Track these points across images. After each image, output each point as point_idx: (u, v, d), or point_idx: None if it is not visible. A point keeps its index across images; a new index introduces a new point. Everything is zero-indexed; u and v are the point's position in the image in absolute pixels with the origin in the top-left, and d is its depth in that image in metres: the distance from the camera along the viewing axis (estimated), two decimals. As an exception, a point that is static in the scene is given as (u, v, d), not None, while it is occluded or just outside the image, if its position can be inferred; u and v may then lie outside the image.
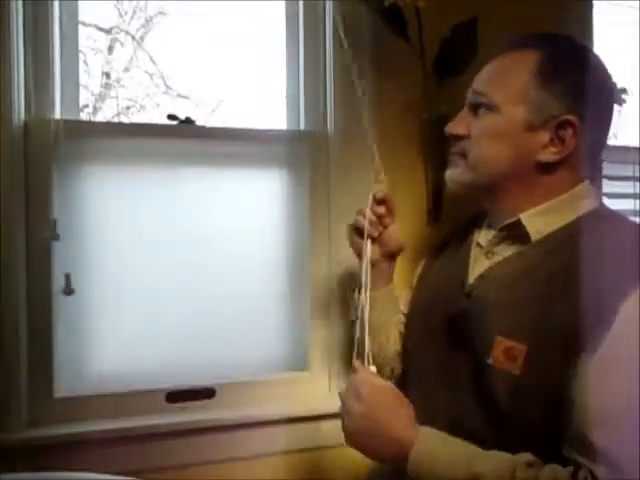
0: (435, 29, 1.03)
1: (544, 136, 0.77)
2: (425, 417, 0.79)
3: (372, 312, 0.88)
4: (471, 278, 0.82)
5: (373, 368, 0.80)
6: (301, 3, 1.12)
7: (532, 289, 0.74)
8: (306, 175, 1.11)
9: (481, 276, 0.81)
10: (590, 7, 1.27)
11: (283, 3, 1.13)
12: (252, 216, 1.10)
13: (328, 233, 1.11)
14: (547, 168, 0.78)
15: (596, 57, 0.80)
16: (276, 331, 1.11)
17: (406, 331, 0.96)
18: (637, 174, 1.32)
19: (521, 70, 0.78)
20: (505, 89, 0.78)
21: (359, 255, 0.92)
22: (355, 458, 1.09)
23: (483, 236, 0.86)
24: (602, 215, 0.78)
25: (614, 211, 0.81)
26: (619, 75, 1.16)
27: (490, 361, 0.73)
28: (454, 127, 0.83)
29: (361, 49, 1.09)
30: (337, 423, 0.75)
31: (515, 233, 0.80)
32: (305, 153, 1.11)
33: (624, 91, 1.11)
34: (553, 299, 0.71)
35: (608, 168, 1.27)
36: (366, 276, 0.89)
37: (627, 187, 1.33)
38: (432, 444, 0.72)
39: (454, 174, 0.84)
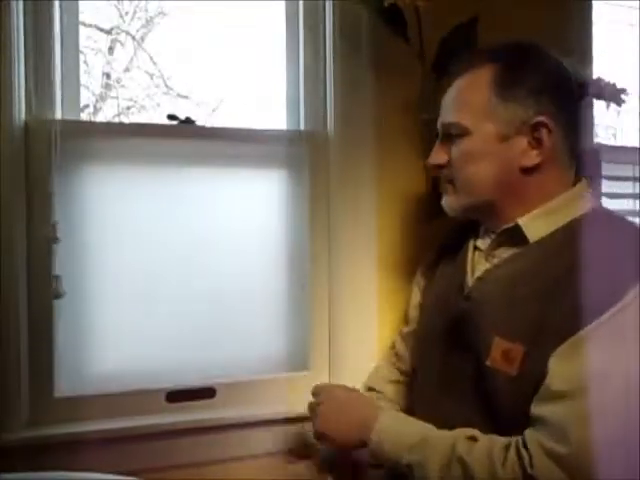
0: (435, 29, 1.03)
1: (521, 142, 0.79)
2: (429, 420, 0.80)
3: None
4: (470, 281, 0.83)
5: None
6: (301, 3, 1.12)
7: (529, 290, 0.74)
8: (306, 175, 1.11)
9: (479, 278, 0.82)
10: (590, 7, 1.27)
11: (283, 3, 1.13)
12: (252, 216, 1.10)
13: (328, 233, 1.11)
14: (534, 171, 0.79)
15: (552, 56, 0.82)
16: (276, 331, 1.11)
17: (413, 336, 0.98)
18: (637, 174, 1.32)
19: (479, 87, 0.80)
20: (469, 111, 0.81)
21: None
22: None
23: (481, 240, 0.87)
24: (598, 216, 0.79)
25: (611, 211, 0.82)
26: (619, 75, 1.17)
27: (488, 363, 0.74)
28: (433, 158, 0.86)
29: (361, 49, 1.09)
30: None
31: (513, 237, 0.80)
32: (305, 153, 1.11)
33: (624, 91, 1.11)
34: (549, 299, 0.71)
35: (608, 168, 1.27)
36: None
37: (627, 187, 1.33)
38: (387, 433, 0.77)
39: (448, 202, 0.87)
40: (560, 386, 0.67)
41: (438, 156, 0.86)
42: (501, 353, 0.73)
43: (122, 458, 0.96)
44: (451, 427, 0.77)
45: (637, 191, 1.33)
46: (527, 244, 0.79)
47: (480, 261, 0.85)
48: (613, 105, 1.13)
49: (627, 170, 1.32)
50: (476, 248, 0.87)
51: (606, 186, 1.29)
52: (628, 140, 1.58)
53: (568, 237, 0.76)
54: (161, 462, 0.99)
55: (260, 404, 1.06)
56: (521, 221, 0.79)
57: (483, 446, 0.71)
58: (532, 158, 0.79)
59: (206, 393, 1.05)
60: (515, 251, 0.80)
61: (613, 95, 1.11)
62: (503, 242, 0.83)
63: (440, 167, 0.86)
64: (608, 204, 1.30)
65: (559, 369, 0.68)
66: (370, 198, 1.11)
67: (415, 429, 0.78)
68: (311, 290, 1.11)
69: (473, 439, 0.72)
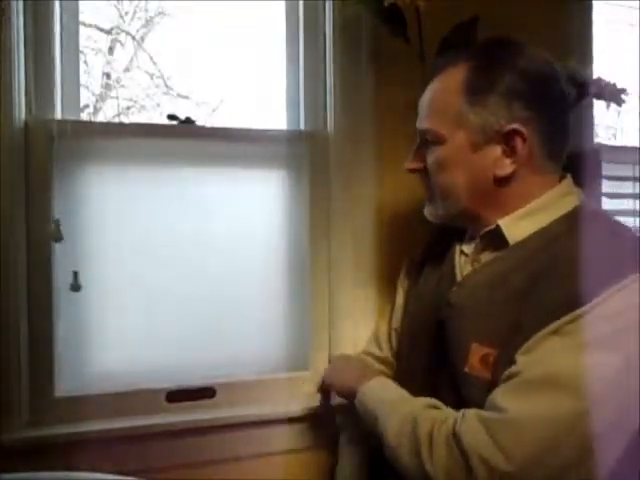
0: (435, 29, 1.03)
1: (495, 150, 0.75)
2: None
3: None
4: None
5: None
6: (301, 3, 1.12)
7: (504, 293, 0.73)
8: (306, 175, 1.11)
9: (459, 284, 0.80)
10: (590, 7, 1.27)
11: (283, 3, 1.13)
12: (252, 216, 1.10)
13: (328, 233, 1.11)
14: (509, 180, 0.77)
15: (534, 55, 0.77)
16: (276, 331, 1.11)
17: (397, 344, 0.97)
18: (637, 174, 1.32)
19: (451, 92, 0.77)
20: (442, 118, 0.78)
21: None
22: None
23: (466, 245, 0.85)
24: (580, 215, 0.75)
25: (597, 209, 0.80)
26: (618, 75, 1.17)
27: (467, 369, 0.73)
28: (410, 163, 0.85)
29: (361, 49, 1.09)
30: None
31: (495, 240, 0.79)
32: (305, 153, 1.11)
33: (624, 91, 1.11)
34: (524, 301, 0.70)
35: (608, 168, 1.27)
36: None
37: (627, 187, 1.33)
38: (372, 389, 0.83)
39: (429, 211, 0.86)
40: (510, 371, 0.67)
41: (414, 161, 0.84)
42: (479, 359, 0.72)
43: (122, 458, 0.96)
44: None
45: (637, 191, 1.33)
46: (507, 247, 0.77)
47: (466, 267, 0.83)
48: (613, 105, 1.13)
49: (627, 170, 1.32)
50: (462, 252, 0.85)
51: (606, 186, 1.29)
52: (628, 140, 1.58)
53: (547, 237, 0.74)
54: (161, 462, 0.99)
55: (260, 404, 1.06)
56: (502, 223, 0.77)
57: (437, 412, 0.73)
58: (506, 167, 0.75)
59: (206, 393, 1.05)
60: (496, 255, 0.79)
61: (613, 95, 1.12)
62: (486, 246, 0.81)
63: (418, 172, 0.84)
64: (608, 204, 1.30)
65: (518, 360, 0.67)
66: (370, 198, 1.11)
67: (397, 391, 0.82)
68: (311, 290, 1.11)
69: (435, 407, 0.74)
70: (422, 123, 0.82)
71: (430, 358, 0.82)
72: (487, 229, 0.80)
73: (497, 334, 0.71)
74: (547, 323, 0.66)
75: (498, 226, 0.78)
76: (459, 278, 0.82)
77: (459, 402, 0.75)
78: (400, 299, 1.01)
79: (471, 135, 0.76)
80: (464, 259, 0.84)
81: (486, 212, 0.79)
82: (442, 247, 0.90)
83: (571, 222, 0.74)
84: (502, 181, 0.77)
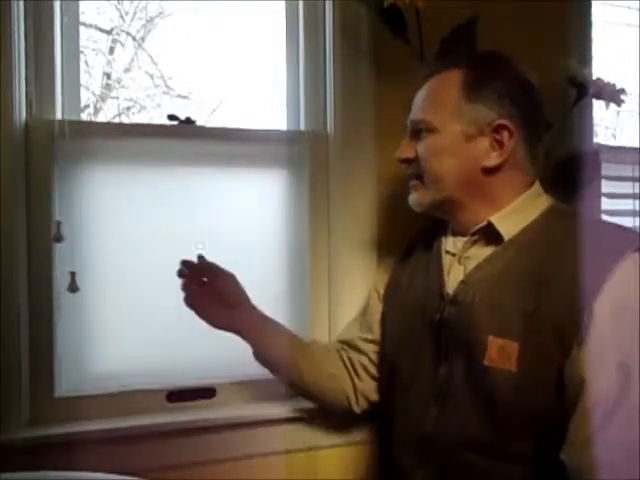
0: (435, 29, 1.03)
1: (484, 142, 0.82)
2: (418, 434, 0.83)
3: None
4: (450, 286, 0.84)
5: None
6: (301, 3, 1.12)
7: (514, 286, 0.77)
8: (306, 175, 1.11)
9: (463, 282, 0.83)
10: (589, 7, 1.27)
11: (283, 3, 1.14)
12: (252, 216, 1.10)
13: (328, 233, 1.11)
14: (495, 172, 0.83)
15: (518, 66, 0.86)
16: (276, 331, 1.11)
17: (383, 352, 0.97)
18: (637, 174, 1.32)
19: (449, 89, 0.84)
20: (439, 111, 0.84)
21: None
22: (354, 458, 1.09)
23: (451, 243, 0.89)
24: (561, 211, 0.83)
25: (568, 207, 0.86)
26: (618, 75, 1.17)
27: (486, 362, 0.76)
28: (401, 152, 0.90)
29: (361, 49, 1.09)
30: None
31: (487, 236, 0.84)
32: (305, 153, 1.11)
33: (623, 91, 1.11)
34: (535, 293, 0.74)
35: (608, 168, 1.27)
36: None
37: (626, 187, 1.33)
38: None
39: (416, 198, 0.89)
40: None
41: (406, 151, 0.88)
42: (497, 351, 0.75)
43: (122, 458, 0.96)
44: (448, 435, 0.79)
45: (636, 191, 1.33)
46: (500, 243, 0.82)
47: (453, 264, 0.86)
48: (612, 105, 1.13)
49: (627, 170, 1.32)
50: (447, 252, 0.89)
51: (605, 186, 1.29)
52: (628, 140, 1.58)
53: (536, 231, 0.80)
54: (161, 462, 0.99)
55: (260, 404, 1.06)
56: (494, 219, 0.82)
57: None
58: (493, 159, 0.82)
59: (206, 393, 1.05)
60: (490, 250, 0.83)
61: (612, 95, 1.12)
62: (475, 242, 0.85)
63: (408, 162, 0.88)
64: (607, 204, 1.30)
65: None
66: (370, 198, 1.11)
67: None
68: (311, 290, 1.11)
69: None
70: (417, 114, 0.88)
71: (437, 361, 0.83)
72: (479, 226, 0.84)
73: (511, 326, 0.75)
74: (561, 313, 0.71)
75: (490, 223, 0.82)
76: (448, 278, 0.85)
77: (476, 398, 0.77)
78: (376, 306, 1.01)
79: (465, 127, 0.82)
80: (450, 258, 0.88)
81: (473, 204, 0.84)
82: (419, 253, 0.94)
83: (553, 217, 0.82)
84: (488, 172, 0.83)
